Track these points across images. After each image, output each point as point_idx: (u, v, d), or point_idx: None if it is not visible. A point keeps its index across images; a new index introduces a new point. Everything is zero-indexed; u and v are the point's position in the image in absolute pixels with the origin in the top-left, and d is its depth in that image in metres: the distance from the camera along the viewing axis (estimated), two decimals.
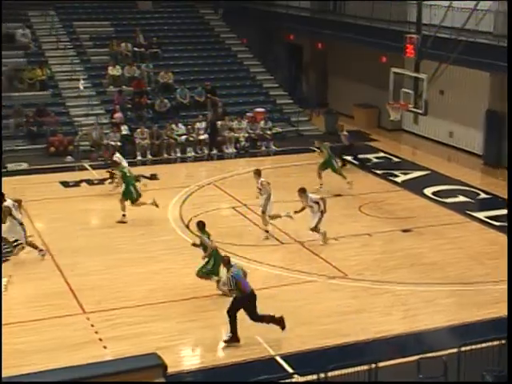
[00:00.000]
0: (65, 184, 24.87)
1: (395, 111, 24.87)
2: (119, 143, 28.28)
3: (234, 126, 30.07)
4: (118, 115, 29.90)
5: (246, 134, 29.93)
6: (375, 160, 28.13)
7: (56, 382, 11.23)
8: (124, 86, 31.80)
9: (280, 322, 14.53)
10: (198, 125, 29.41)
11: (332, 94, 37.01)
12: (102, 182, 24.98)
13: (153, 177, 25.76)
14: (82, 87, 31.68)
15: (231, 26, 37.47)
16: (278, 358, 13.83)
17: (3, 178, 24.43)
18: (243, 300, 14.31)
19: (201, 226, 16.60)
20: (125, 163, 22.80)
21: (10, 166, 26.28)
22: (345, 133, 26.74)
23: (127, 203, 20.96)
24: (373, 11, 29.99)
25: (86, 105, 31.12)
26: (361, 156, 27.33)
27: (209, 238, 16.51)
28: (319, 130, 31.96)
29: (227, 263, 14.69)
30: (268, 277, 17.42)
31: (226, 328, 14.47)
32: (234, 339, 14.35)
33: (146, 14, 37.17)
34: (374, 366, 11.76)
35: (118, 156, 23.07)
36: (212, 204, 22.61)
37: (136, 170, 25.67)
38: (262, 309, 14.43)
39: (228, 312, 14.39)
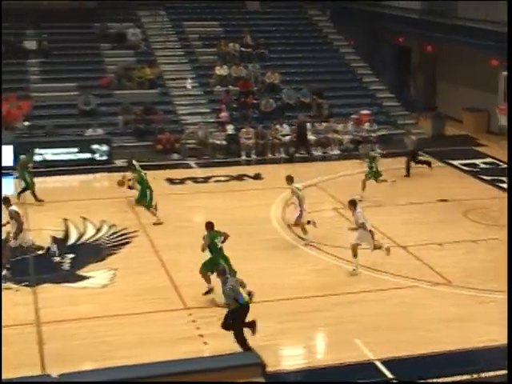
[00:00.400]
0: (170, 181, 25.34)
1: (504, 115, 24.24)
2: (224, 142, 28.61)
3: (339, 128, 29.95)
4: (224, 114, 30.25)
5: (351, 136, 29.77)
6: (482, 165, 27.49)
7: (155, 376, 11.46)
8: (230, 86, 32.13)
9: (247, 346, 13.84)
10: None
11: (440, 98, 36.37)
12: (206, 180, 25.31)
13: (257, 176, 25.94)
14: (189, 86, 32.18)
15: (339, 26, 37.33)
16: (378, 363, 13.68)
17: (112, 173, 25.14)
18: (240, 311, 13.82)
19: (210, 226, 16.44)
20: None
21: (118, 162, 26.93)
22: (412, 137, 26.37)
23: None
24: (487, 13, 29.30)
25: (192, 104, 31.62)
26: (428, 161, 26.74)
27: (215, 238, 16.25)
28: (425, 133, 31.45)
29: (222, 274, 14.20)
30: (369, 280, 17.24)
31: (324, 330, 14.39)
32: (246, 345, 13.82)
33: (254, 14, 37.47)
34: (475, 375, 11.49)
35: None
36: (314, 205, 22.53)
37: (240, 170, 25.94)
38: (364, 313, 14.26)
39: (223, 325, 13.93)
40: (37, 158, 26.74)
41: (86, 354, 13.92)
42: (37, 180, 23.32)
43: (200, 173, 26.43)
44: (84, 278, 17.30)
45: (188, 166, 27.41)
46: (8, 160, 26.75)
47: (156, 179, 23.44)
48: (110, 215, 21.32)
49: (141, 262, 18.41)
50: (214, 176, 24.72)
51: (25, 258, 18.32)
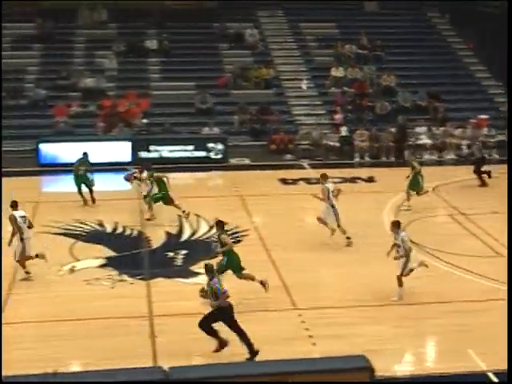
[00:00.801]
0: (283, 181, 25.47)
1: None
2: (338, 144, 28.53)
3: (457, 133, 29.38)
4: (339, 116, 30.17)
5: (468, 141, 29.14)
6: None
7: (263, 374, 11.52)
8: (346, 88, 32.01)
9: (254, 353, 13.66)
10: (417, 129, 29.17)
11: None
12: (319, 181, 25.25)
13: (370, 179, 25.75)
14: (304, 87, 32.26)
15: (458, 28, 36.60)
16: (490, 374, 13.35)
17: (227, 172, 25.45)
18: (223, 312, 13.68)
19: (221, 225, 16.51)
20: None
21: (233, 161, 27.26)
22: (479, 144, 25.65)
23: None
24: None
25: (307, 105, 31.69)
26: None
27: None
28: None
29: (209, 271, 13.81)
30: (484, 290, 16.83)
31: (434, 337, 14.15)
32: (221, 345, 13.84)
33: (372, 15, 37.16)
34: None
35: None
36: (428, 210, 22.22)
37: (353, 172, 25.78)
38: (475, 322, 13.93)
39: (201, 325, 13.78)
40: (154, 154, 27.43)
41: (196, 349, 14.12)
42: None
43: (313, 174, 26.43)
44: (196, 274, 17.57)
45: (301, 167, 27.48)
46: (126, 156, 27.52)
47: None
48: (222, 213, 21.54)
49: (252, 261, 18.48)
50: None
51: (140, 252, 18.80)
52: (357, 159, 28.38)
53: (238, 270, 16.33)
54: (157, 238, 19.91)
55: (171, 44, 34.07)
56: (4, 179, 24.86)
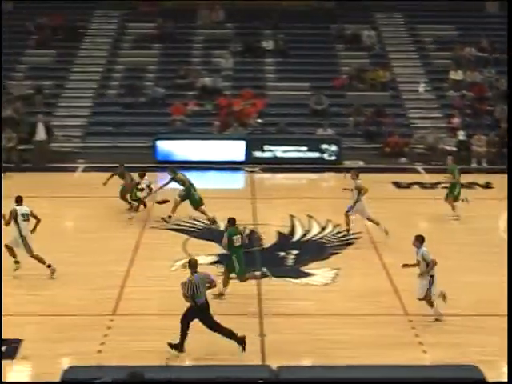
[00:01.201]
0: (397, 185, 25.17)
1: None
2: (454, 148, 27.96)
3: None
4: (456, 120, 29.58)
5: None
6: None
7: (369, 379, 11.40)
8: (464, 91, 31.33)
9: (237, 337, 13.82)
10: None
11: None
12: (434, 186, 24.88)
13: (487, 185, 25.16)
14: (421, 90, 31.79)
15: None
16: None
17: (340, 174, 25.29)
18: (196, 311, 13.67)
19: (232, 222, 16.27)
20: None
21: (347, 163, 27.12)
22: None
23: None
24: None
25: (424, 108, 31.19)
26: None
27: (234, 235, 16.06)
28: None
29: (191, 267, 13.87)
30: None
31: None
32: (179, 347, 13.73)
33: (492, 16, 36.23)
34: None
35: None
36: None
37: (470, 178, 25.20)
38: None
39: (181, 320, 13.76)
40: (267, 154, 27.62)
41: (304, 349, 14.15)
42: (266, 176, 24.07)
43: (428, 178, 26.02)
44: (307, 274, 17.59)
45: (415, 171, 27.08)
46: (240, 155, 27.80)
47: None
48: (335, 215, 21.50)
49: (363, 264, 18.44)
50: (441, 182, 24.20)
51: (251, 250, 18.97)
52: (474, 164, 27.74)
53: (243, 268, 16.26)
54: (269, 237, 20.02)
55: (287, 44, 34.21)
56: None
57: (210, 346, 14.06)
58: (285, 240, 20.03)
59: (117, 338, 14.54)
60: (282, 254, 19.02)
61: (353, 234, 20.27)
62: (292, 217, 21.25)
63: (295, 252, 19.11)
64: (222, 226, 20.84)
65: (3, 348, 14.05)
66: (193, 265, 13.93)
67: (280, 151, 28.12)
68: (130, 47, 34.34)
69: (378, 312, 15.68)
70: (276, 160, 27.36)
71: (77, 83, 31.78)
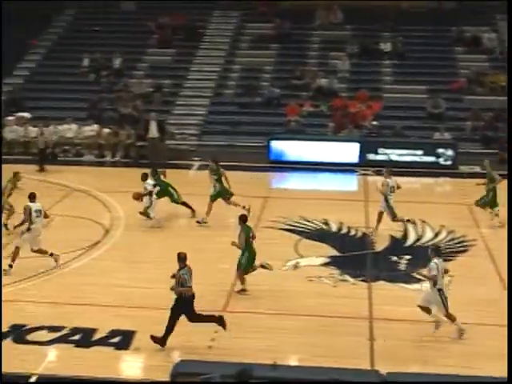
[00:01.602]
0: None
1: None
2: None
3: None
4: None
5: None
6: None
7: None
8: None
9: (219, 320, 14.22)
10: None
11: None
12: None
13: None
14: None
15: None
16: None
17: (456, 179, 24.76)
18: (183, 304, 13.88)
19: (244, 219, 16.67)
20: None
21: (463, 168, 26.57)
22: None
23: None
24: None
25: None
26: None
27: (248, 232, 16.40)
28: None
29: (182, 260, 14.00)
30: None
31: None
32: (161, 341, 13.90)
33: None
34: None
35: None
36: None
37: None
38: None
39: (172, 310, 13.97)
40: (382, 157, 27.36)
41: (413, 355, 13.94)
42: (380, 179, 23.80)
43: None
44: (419, 280, 17.30)
45: None
46: (353, 157, 27.64)
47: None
48: (449, 221, 21.12)
49: (477, 272, 18.03)
50: None
51: (363, 253, 18.85)
52: None
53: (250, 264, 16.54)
54: (381, 241, 19.83)
55: (405, 46, 33.77)
56: (235, 173, 25.83)
57: (317, 347, 14.06)
58: (397, 244, 19.80)
59: (226, 334, 14.69)
60: (395, 258, 18.79)
61: (468, 240, 19.84)
62: (406, 221, 20.91)
63: (408, 257, 18.84)
64: (334, 227, 20.85)
65: (117, 338, 14.46)
66: (182, 258, 14.14)
67: (395, 154, 27.81)
68: (248, 47, 34.68)
69: (483, 321, 15.25)
70: (390, 163, 27.01)
71: (195, 82, 32.35)
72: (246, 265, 16.54)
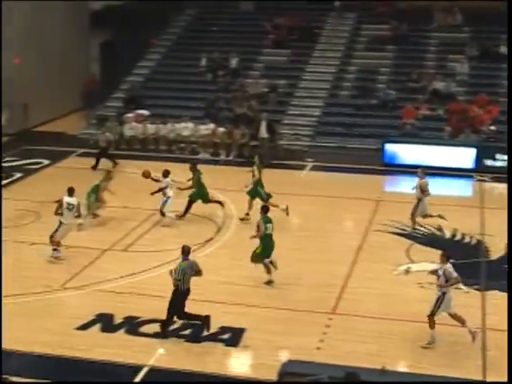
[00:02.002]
0: None
1: None
2: None
3: None
4: None
5: None
6: None
7: None
8: None
9: (205, 320, 14.52)
10: None
11: None
12: None
13: None
14: None
15: None
16: None
17: None
18: (180, 296, 14.32)
19: (265, 210, 17.26)
20: None
21: None
22: None
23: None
24: None
25: None
26: None
27: (268, 223, 16.90)
28: None
29: (186, 253, 14.57)
30: None
31: None
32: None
33: None
34: None
35: None
36: None
37: None
38: None
39: (179, 314, 14.54)
40: (499, 163, 26.63)
41: None
42: (497, 186, 23.35)
43: None
44: None
45: None
46: (469, 163, 27.02)
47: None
48: None
49: None
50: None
51: (477, 261, 18.44)
52: None
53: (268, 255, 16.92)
54: (496, 250, 19.32)
55: None
56: (347, 175, 25.79)
57: (426, 354, 13.88)
58: None
59: (335, 336, 14.71)
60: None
61: None
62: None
63: None
64: (447, 234, 20.49)
65: (226, 335, 14.66)
66: (185, 251, 14.63)
67: None
68: (364, 49, 34.44)
69: None
70: (506, 169, 26.28)
71: (309, 83, 32.36)
72: (260, 254, 16.86)
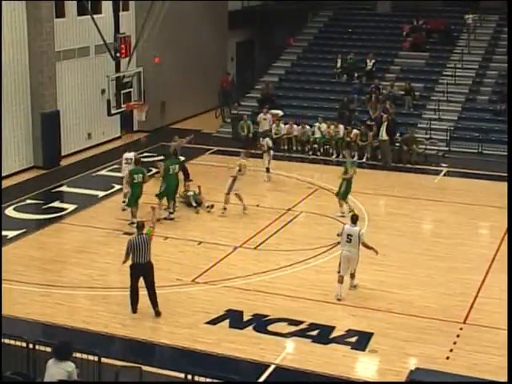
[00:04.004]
0: None
1: None
2: None
3: None
4: None
5: None
6: None
7: None
8: None
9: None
10: None
11: None
12: None
13: None
14: None
15: None
16: None
17: None
18: (138, 269, 15.11)
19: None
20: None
21: None
22: None
23: None
24: None
25: None
26: None
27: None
28: None
29: (139, 228, 15.27)
30: None
31: None
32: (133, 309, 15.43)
33: None
34: None
35: None
36: None
37: None
38: None
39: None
40: None
41: None
42: None
43: None
44: None
45: None
46: None
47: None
48: None
49: None
50: None
51: None
52: None
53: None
54: None
55: None
56: (483, 182, 25.07)
57: None
58: None
59: (465, 347, 14.35)
60: None
61: None
62: None
63: None
64: None
65: (354, 338, 14.56)
66: (139, 226, 15.35)
67: None
68: (504, 52, 33.38)
69: None
70: None
71: (447, 87, 31.67)
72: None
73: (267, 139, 25.69)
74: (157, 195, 21.02)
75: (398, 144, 28.02)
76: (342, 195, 21.38)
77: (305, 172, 26.25)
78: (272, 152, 25.22)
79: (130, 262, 15.32)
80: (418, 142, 28.02)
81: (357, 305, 16.02)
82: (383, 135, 27.40)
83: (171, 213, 21.13)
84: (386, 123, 27.47)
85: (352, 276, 16.54)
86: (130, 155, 21.94)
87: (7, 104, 24.99)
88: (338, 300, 16.08)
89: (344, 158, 24.70)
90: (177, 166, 21.25)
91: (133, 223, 19.29)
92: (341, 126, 28.67)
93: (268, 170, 25.04)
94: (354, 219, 16.44)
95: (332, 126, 28.62)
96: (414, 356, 13.98)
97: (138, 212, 20.35)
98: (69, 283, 16.99)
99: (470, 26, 33.76)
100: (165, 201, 21.12)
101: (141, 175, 20.46)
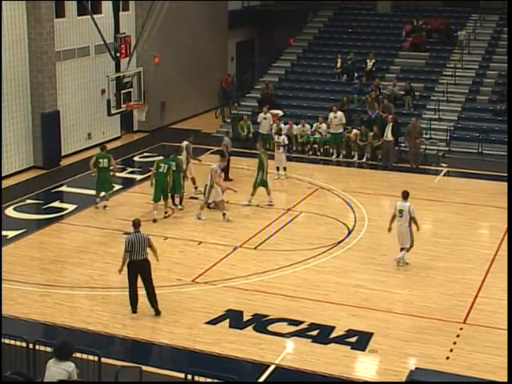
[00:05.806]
0: None
1: None
2: None
3: None
4: None
5: None
6: None
7: None
8: None
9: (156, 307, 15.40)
10: None
11: None
12: None
13: None
14: None
15: None
16: None
17: None
18: (135, 267, 15.10)
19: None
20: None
21: None
22: None
23: None
24: None
25: None
26: None
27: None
28: None
29: (136, 226, 15.25)
30: None
31: None
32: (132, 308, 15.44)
33: None
34: None
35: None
36: None
37: None
38: None
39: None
40: None
41: None
42: None
43: None
44: None
45: None
46: None
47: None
48: None
49: None
50: None
51: None
52: None
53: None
54: None
55: None
56: (483, 182, 25.08)
57: None
58: None
59: (465, 347, 14.36)
60: None
61: None
62: None
63: None
64: None
65: (354, 338, 14.57)
66: (136, 224, 15.31)
67: None
68: (504, 52, 33.37)
69: None
70: None
71: (447, 87, 31.68)
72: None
73: (284, 136, 25.73)
74: (153, 199, 21.17)
75: (403, 144, 28.05)
76: (259, 184, 22.17)
77: (305, 172, 26.25)
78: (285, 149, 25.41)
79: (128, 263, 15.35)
80: (422, 133, 27.98)
81: (357, 305, 16.04)
82: (388, 136, 27.38)
83: (166, 212, 21.24)
84: (391, 124, 27.44)
85: (401, 250, 17.67)
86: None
87: (7, 104, 25.02)
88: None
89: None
90: (166, 166, 21.25)
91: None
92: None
93: (284, 168, 25.23)
94: (405, 195, 17.79)
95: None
96: (414, 356, 13.99)
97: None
98: (69, 283, 17.03)
99: (462, 42, 33.66)
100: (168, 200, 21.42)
101: (106, 160, 21.87)
